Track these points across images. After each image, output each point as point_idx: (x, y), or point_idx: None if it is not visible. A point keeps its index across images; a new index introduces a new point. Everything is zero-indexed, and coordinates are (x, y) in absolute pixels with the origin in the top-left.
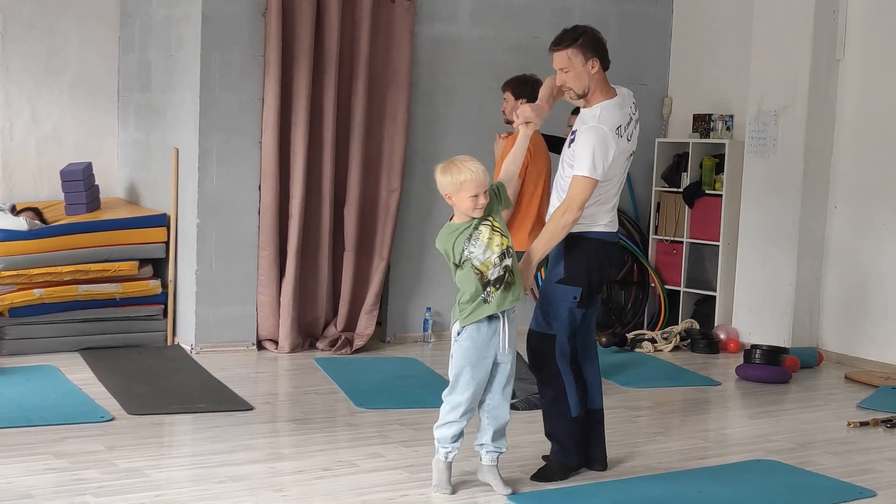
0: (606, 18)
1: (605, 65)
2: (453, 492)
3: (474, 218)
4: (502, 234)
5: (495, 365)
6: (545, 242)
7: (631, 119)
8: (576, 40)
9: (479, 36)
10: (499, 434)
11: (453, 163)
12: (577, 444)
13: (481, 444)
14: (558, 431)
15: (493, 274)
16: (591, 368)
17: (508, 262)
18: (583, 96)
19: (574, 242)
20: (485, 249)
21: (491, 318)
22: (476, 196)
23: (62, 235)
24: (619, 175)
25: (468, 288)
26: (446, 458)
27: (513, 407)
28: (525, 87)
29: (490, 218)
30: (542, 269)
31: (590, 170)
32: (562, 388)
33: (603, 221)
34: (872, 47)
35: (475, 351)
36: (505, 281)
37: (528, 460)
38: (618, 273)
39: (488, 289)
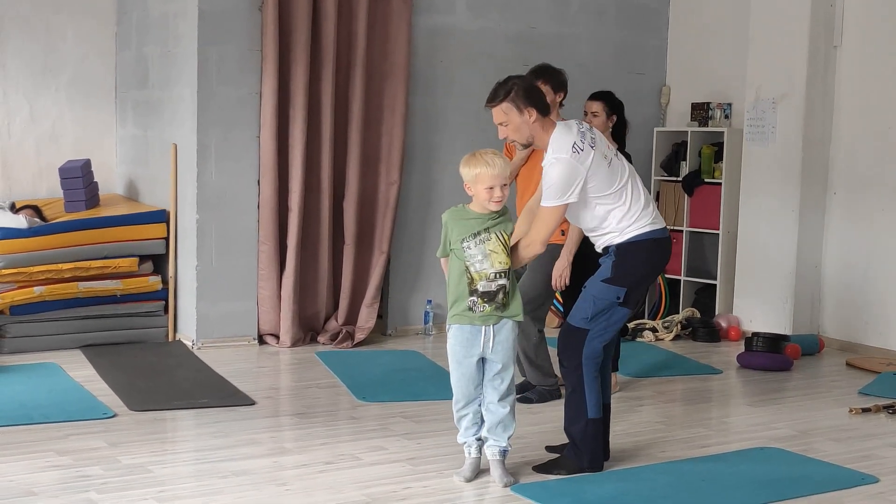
0: (604, 8)
1: (542, 111)
2: (469, 480)
3: (491, 211)
4: (507, 255)
5: (484, 361)
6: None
7: (584, 133)
8: (508, 94)
9: (477, 27)
10: (495, 428)
11: (474, 155)
12: (593, 446)
13: (482, 438)
14: (573, 429)
15: (483, 287)
16: (606, 365)
17: (505, 282)
18: (528, 145)
19: (625, 246)
20: (483, 259)
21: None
22: (491, 188)
23: (62, 233)
24: (618, 175)
25: (455, 285)
26: (467, 452)
27: (527, 400)
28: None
29: (505, 232)
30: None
31: (552, 198)
32: (580, 385)
33: (646, 220)
34: (870, 34)
35: (460, 349)
36: (497, 301)
37: (531, 450)
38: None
39: (475, 298)
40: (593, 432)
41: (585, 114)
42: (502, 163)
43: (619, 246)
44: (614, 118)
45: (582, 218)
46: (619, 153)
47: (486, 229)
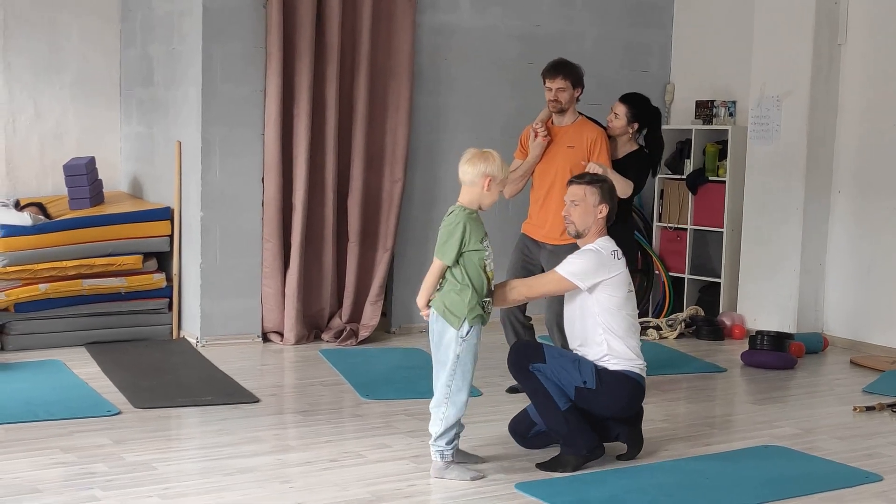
0: (609, 6)
1: (611, 216)
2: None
3: (479, 210)
4: None
5: None
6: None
7: (621, 253)
8: (595, 181)
9: (481, 25)
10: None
11: (493, 154)
12: (582, 431)
13: (457, 437)
14: (555, 426)
15: (493, 285)
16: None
17: None
18: (580, 236)
19: (613, 374)
20: (491, 258)
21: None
22: (501, 191)
23: (66, 230)
24: (631, 305)
25: (479, 287)
26: (454, 454)
27: (514, 390)
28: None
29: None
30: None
31: (567, 271)
32: (539, 386)
33: (640, 364)
34: (874, 31)
35: (478, 346)
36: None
37: (534, 449)
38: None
39: (488, 298)
40: (574, 419)
41: (614, 115)
42: None
43: (611, 371)
44: (636, 125)
45: (578, 322)
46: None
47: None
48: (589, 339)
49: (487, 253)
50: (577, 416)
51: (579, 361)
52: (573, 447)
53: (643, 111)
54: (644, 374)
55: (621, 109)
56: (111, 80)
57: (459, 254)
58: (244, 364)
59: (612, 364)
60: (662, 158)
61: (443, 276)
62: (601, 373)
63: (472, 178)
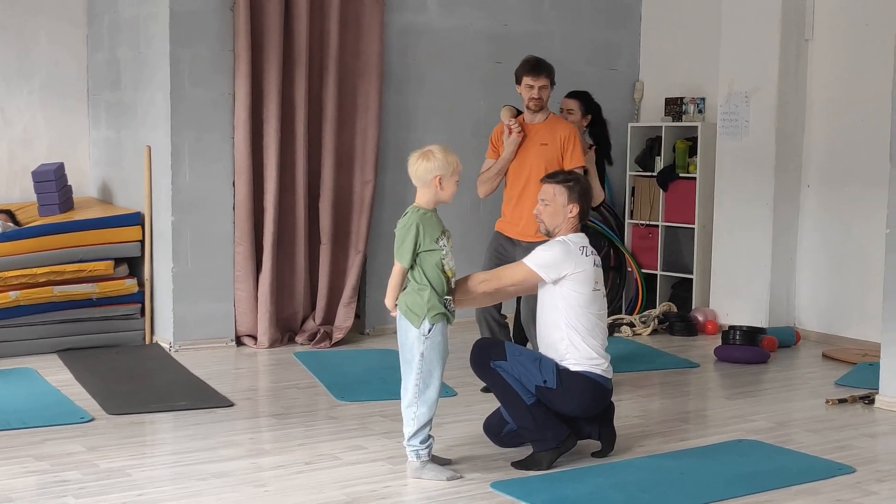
0: (577, 5)
1: (583, 216)
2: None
3: (438, 204)
4: None
5: None
6: (460, 300)
7: (593, 250)
8: (567, 182)
9: (450, 25)
10: None
11: (441, 148)
12: (547, 424)
13: (430, 437)
14: (523, 422)
15: (453, 283)
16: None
17: None
18: (550, 234)
19: (575, 375)
20: (451, 255)
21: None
22: (457, 182)
23: (36, 237)
24: (598, 303)
25: (438, 286)
26: (429, 453)
27: (489, 389)
28: (593, 105)
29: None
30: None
31: (533, 263)
32: (504, 382)
33: (602, 365)
34: (841, 26)
35: (445, 345)
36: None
37: (509, 448)
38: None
39: (449, 296)
40: (541, 413)
41: (561, 111)
42: None
43: (572, 372)
44: (589, 118)
45: (542, 317)
46: (600, 293)
47: (444, 230)
48: (551, 335)
49: (445, 252)
50: (544, 409)
51: (540, 360)
52: (543, 442)
53: (590, 104)
54: (608, 375)
55: (574, 104)
56: (79, 85)
57: (415, 255)
58: (218, 368)
59: (573, 364)
60: (633, 154)
61: (406, 277)
62: (562, 373)
63: (424, 180)
